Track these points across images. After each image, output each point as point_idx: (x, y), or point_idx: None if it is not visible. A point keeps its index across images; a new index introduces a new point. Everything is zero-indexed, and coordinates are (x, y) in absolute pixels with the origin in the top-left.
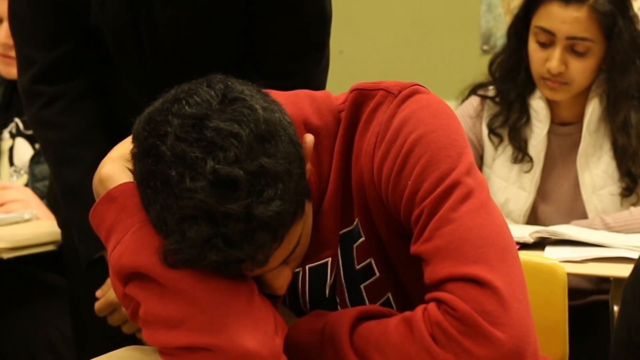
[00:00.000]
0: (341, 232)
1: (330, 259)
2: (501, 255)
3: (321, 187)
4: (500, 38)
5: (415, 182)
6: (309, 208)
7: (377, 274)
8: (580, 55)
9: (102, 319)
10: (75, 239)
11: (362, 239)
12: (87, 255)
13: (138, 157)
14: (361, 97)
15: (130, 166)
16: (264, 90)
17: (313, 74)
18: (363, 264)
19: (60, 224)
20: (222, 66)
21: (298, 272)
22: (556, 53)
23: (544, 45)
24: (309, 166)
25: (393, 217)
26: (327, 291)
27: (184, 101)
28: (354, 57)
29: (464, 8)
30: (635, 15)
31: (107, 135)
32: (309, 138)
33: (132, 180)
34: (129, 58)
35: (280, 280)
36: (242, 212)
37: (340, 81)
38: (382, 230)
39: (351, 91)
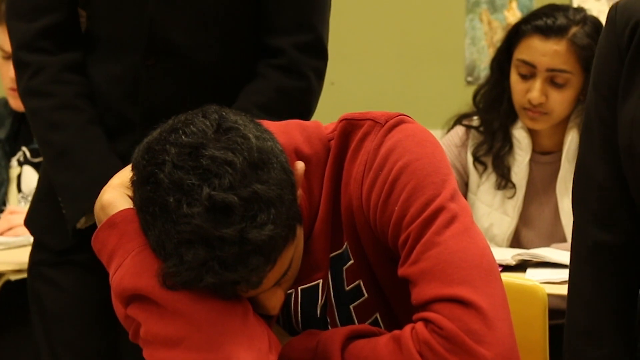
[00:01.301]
0: (331, 255)
1: (321, 280)
2: (485, 277)
3: (312, 212)
4: (483, 70)
5: (401, 208)
6: (300, 232)
7: (366, 295)
8: (559, 86)
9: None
10: (61, 204)
11: (351, 261)
12: (72, 218)
13: (137, 185)
14: (350, 127)
15: (130, 193)
16: (256, 120)
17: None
18: (352, 285)
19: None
20: (229, 60)
21: (291, 293)
22: (537, 85)
23: (525, 77)
24: (300, 192)
25: (381, 241)
26: (318, 311)
27: (180, 131)
28: (344, 88)
29: (449, 41)
30: None
31: (94, 105)
32: (300, 165)
33: (132, 206)
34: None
35: (274, 301)
36: (236, 236)
37: (332, 111)
38: (370, 253)
39: (340, 121)
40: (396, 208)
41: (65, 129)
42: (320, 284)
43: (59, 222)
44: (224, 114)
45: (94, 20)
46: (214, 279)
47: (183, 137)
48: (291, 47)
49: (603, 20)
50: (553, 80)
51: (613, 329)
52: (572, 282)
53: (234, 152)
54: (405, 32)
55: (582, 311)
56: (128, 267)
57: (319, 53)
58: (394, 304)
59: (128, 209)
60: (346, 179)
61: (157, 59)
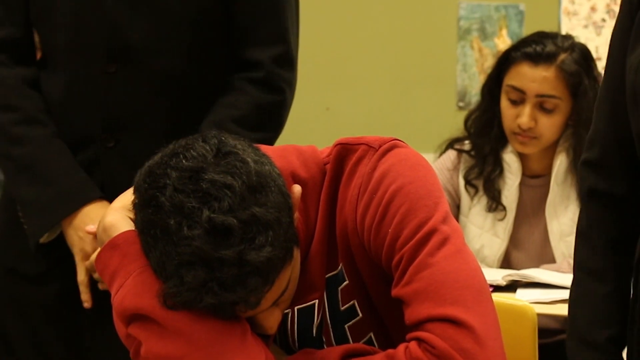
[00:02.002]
0: (327, 275)
1: (317, 301)
2: (476, 297)
3: (308, 234)
4: (474, 96)
5: (395, 230)
6: (297, 254)
7: (360, 314)
8: (548, 112)
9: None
10: (22, 218)
11: (346, 282)
12: (36, 233)
13: (139, 208)
14: (344, 151)
15: (131, 215)
16: (255, 145)
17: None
18: (347, 305)
19: None
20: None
21: (287, 313)
22: (526, 110)
23: (515, 103)
24: (296, 215)
25: (375, 262)
26: (314, 331)
27: (181, 155)
28: (339, 113)
29: (441, 67)
30: (600, 74)
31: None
32: (297, 189)
33: (133, 228)
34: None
35: (271, 321)
36: (235, 258)
37: (327, 135)
38: (364, 274)
39: (335, 145)
40: (390, 230)
41: (30, 143)
42: (316, 304)
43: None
44: (223, 138)
45: (51, 34)
46: (213, 299)
47: (184, 161)
48: (268, 60)
49: (591, 47)
50: (542, 106)
51: (614, 268)
52: (578, 224)
53: (233, 176)
54: (399, 58)
55: (588, 251)
56: (129, 287)
57: (291, 64)
58: (388, 324)
59: (129, 231)
60: (341, 202)
61: (118, 67)
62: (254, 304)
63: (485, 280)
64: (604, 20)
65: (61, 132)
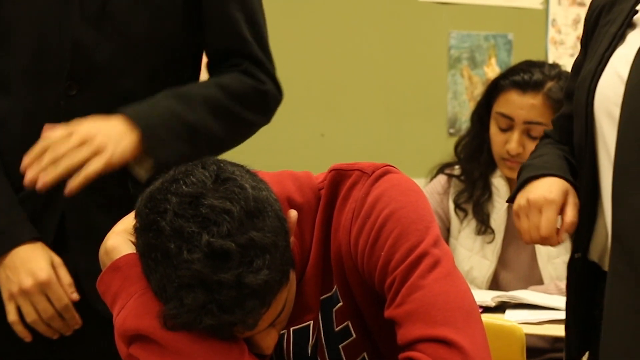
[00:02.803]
0: (322, 297)
1: (312, 322)
2: (466, 318)
3: (304, 257)
4: (464, 122)
5: (387, 253)
6: (293, 276)
7: (354, 335)
8: (536, 138)
9: None
10: None
11: (341, 304)
12: None
13: (140, 232)
14: (339, 177)
15: (133, 239)
16: (252, 171)
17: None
18: (341, 326)
19: None
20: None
21: (283, 334)
22: (515, 136)
23: (503, 129)
24: (292, 239)
25: (368, 284)
26: (309, 351)
27: (181, 181)
28: (334, 140)
29: (432, 95)
30: None
31: (6, 151)
32: (293, 214)
33: (134, 251)
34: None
35: (268, 341)
36: (234, 281)
37: (322, 161)
38: (358, 296)
39: (330, 171)
40: (382, 253)
41: None
42: (311, 325)
43: None
44: (221, 165)
45: (7, 59)
46: (212, 320)
47: (184, 187)
48: (246, 62)
49: None
50: (530, 132)
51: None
52: None
53: (231, 202)
54: (392, 87)
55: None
56: (131, 308)
57: (275, 81)
58: (381, 344)
59: (131, 254)
60: (335, 226)
61: (80, 88)
62: (252, 325)
63: (474, 302)
64: None
65: (17, 158)
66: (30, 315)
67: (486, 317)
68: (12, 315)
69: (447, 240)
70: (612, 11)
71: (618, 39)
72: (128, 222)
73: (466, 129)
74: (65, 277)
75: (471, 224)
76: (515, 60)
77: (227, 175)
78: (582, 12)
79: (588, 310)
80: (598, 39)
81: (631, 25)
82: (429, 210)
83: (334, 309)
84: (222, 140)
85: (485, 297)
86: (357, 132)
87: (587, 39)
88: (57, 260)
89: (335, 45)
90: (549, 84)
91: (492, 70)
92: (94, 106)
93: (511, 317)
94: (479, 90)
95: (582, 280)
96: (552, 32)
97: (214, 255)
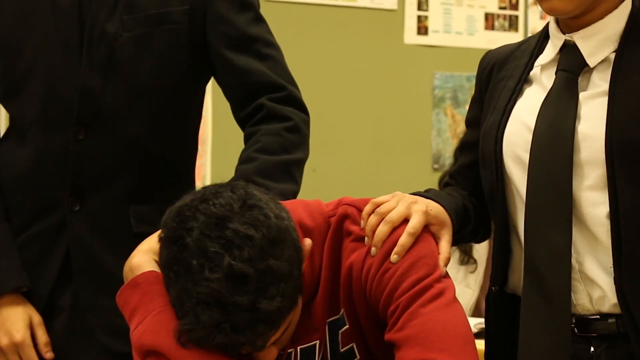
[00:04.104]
0: (329, 320)
1: (318, 341)
2: (462, 346)
3: (313, 280)
4: (448, 158)
5: (395, 282)
6: (299, 301)
7: (358, 356)
8: None
9: None
10: None
11: (347, 326)
12: None
13: (165, 243)
14: (350, 209)
15: (157, 258)
16: (277, 200)
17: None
18: (346, 347)
19: None
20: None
21: (291, 352)
22: None
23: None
24: (308, 241)
25: (372, 308)
26: None
27: (210, 202)
28: (325, 175)
29: (418, 133)
30: None
31: (15, 192)
32: (308, 242)
33: (157, 270)
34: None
35: (269, 358)
36: (249, 305)
37: (314, 194)
38: (363, 319)
39: (341, 205)
40: (390, 281)
41: None
42: (317, 344)
43: None
44: (249, 190)
45: (20, 108)
46: (224, 339)
47: (212, 207)
48: (267, 101)
49: None
50: None
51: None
52: None
53: (255, 228)
54: (379, 124)
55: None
56: (148, 325)
57: (295, 104)
58: None
59: (151, 271)
60: (346, 253)
61: (87, 132)
62: (260, 347)
63: (471, 331)
64: None
65: (27, 199)
66: None
67: None
68: None
69: None
70: (505, 68)
71: (517, 92)
72: (153, 241)
73: (449, 164)
74: (42, 337)
75: (454, 255)
76: None
77: (254, 202)
78: None
79: (507, 337)
80: (495, 94)
81: (527, 81)
82: (436, 248)
83: (340, 331)
84: (295, 192)
85: None
86: (347, 167)
87: (481, 95)
88: (37, 319)
89: (326, 84)
90: None
91: None
92: (100, 149)
93: None
94: (461, 127)
95: (500, 310)
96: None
97: (233, 277)
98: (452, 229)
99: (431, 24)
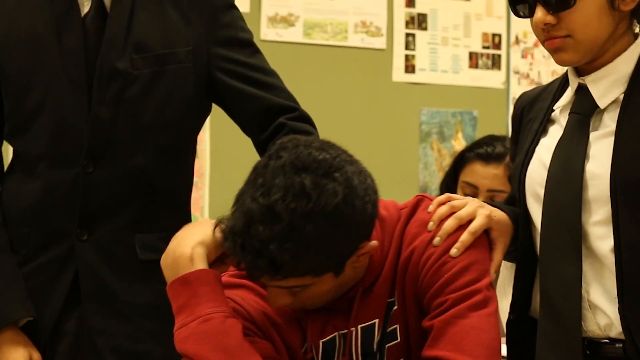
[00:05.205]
0: (388, 300)
1: (377, 320)
2: (488, 357)
3: (381, 262)
4: (434, 191)
5: (449, 277)
6: (329, 280)
7: (398, 339)
8: None
9: None
10: None
11: (396, 307)
12: None
13: (262, 160)
14: (420, 200)
15: (209, 251)
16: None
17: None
18: (391, 328)
19: None
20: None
21: (352, 331)
22: None
23: (469, 197)
24: (374, 243)
25: (419, 294)
26: (374, 346)
27: (311, 150)
28: None
29: (405, 166)
30: None
31: (24, 224)
32: (373, 243)
33: (206, 267)
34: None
35: (278, 300)
36: (263, 239)
37: None
38: (409, 302)
39: (415, 197)
40: (446, 275)
41: None
42: (377, 323)
43: None
44: (348, 172)
45: (28, 145)
46: (233, 251)
47: (307, 153)
48: (286, 120)
49: None
50: (493, 199)
51: None
52: None
53: (319, 196)
54: (369, 158)
55: None
56: (192, 330)
57: (309, 122)
58: (412, 353)
59: (203, 270)
60: (409, 238)
61: (95, 166)
62: (255, 278)
63: (500, 347)
64: None
65: (34, 230)
66: None
67: None
68: None
69: None
70: (532, 110)
71: (540, 132)
72: (207, 232)
73: (436, 197)
74: None
75: None
76: (479, 134)
77: (340, 175)
78: None
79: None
80: (524, 135)
81: (550, 121)
82: (489, 259)
83: (391, 312)
84: None
85: None
86: None
87: (516, 135)
88: (36, 356)
89: (318, 119)
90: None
91: (459, 144)
92: (108, 181)
93: None
94: (447, 161)
95: (518, 335)
96: (512, 109)
97: (271, 212)
98: (511, 237)
99: (418, 63)
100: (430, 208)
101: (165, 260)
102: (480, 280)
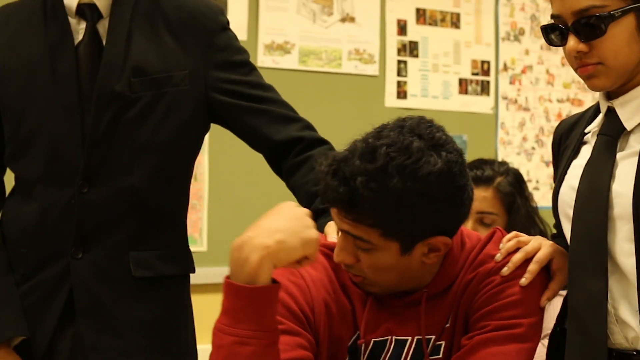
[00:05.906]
0: (448, 317)
1: (434, 337)
2: None
3: (450, 278)
4: None
5: (500, 305)
6: (394, 252)
7: (441, 355)
8: (487, 225)
9: None
10: None
11: (448, 325)
12: None
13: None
14: (498, 232)
15: (276, 263)
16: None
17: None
18: (437, 343)
19: None
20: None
21: (406, 341)
22: (469, 224)
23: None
24: (448, 242)
25: (469, 314)
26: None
27: (433, 126)
28: None
29: None
30: (530, 194)
31: (21, 244)
32: (447, 242)
33: (269, 282)
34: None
35: (342, 254)
36: (352, 170)
37: None
38: (459, 323)
39: (491, 230)
40: (497, 303)
41: None
42: (432, 340)
43: None
44: (452, 154)
45: (26, 168)
46: (345, 171)
47: (428, 127)
48: (301, 131)
49: (523, 171)
50: (482, 221)
51: None
52: None
53: (425, 163)
54: None
55: None
56: (228, 349)
57: (316, 130)
58: None
59: (259, 288)
60: (477, 264)
61: (90, 186)
62: (354, 206)
63: None
64: (533, 148)
65: (32, 250)
66: None
67: None
68: None
69: None
70: (570, 137)
71: (572, 157)
72: (276, 246)
73: None
74: None
75: None
76: (469, 158)
77: (446, 145)
78: (527, 116)
79: None
80: (561, 162)
81: (583, 143)
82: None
83: (443, 329)
84: None
85: None
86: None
87: (555, 163)
88: None
89: None
90: (498, 179)
91: None
92: (103, 201)
93: None
94: None
95: (558, 346)
96: (501, 133)
97: (372, 150)
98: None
99: (410, 89)
100: (500, 246)
101: (237, 250)
102: (527, 317)
